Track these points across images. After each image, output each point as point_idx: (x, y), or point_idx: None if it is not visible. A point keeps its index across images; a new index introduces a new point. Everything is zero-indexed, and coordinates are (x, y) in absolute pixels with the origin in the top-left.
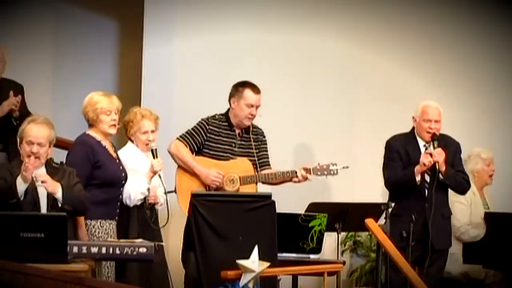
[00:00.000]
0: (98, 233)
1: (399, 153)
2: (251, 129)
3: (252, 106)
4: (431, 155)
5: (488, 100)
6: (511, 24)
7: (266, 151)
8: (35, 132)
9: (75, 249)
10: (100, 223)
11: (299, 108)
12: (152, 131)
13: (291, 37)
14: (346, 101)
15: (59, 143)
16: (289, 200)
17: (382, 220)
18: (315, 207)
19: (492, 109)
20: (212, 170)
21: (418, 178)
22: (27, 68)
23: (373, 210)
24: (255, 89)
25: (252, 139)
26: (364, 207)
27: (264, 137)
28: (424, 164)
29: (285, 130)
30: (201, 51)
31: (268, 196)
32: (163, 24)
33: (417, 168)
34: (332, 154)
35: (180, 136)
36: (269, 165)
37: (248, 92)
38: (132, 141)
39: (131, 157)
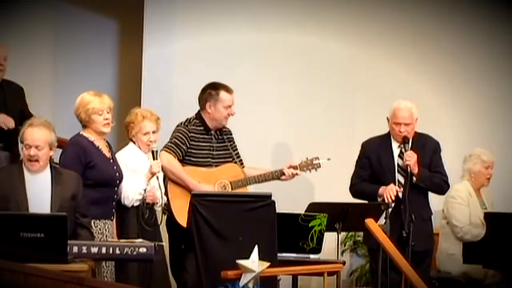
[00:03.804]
0: (93, 232)
1: (369, 158)
2: (222, 129)
3: (229, 106)
4: (400, 184)
5: (488, 100)
6: (511, 24)
7: (237, 149)
8: (31, 135)
9: (75, 249)
10: (94, 223)
11: (299, 108)
12: (153, 132)
13: (291, 37)
14: (345, 102)
15: (59, 143)
16: (289, 200)
17: (382, 220)
18: (315, 207)
19: (491, 110)
20: (207, 186)
21: (379, 199)
22: (27, 68)
23: (373, 210)
24: (229, 89)
25: (226, 140)
26: (364, 207)
27: (232, 135)
28: (387, 193)
29: (284, 131)
30: (201, 51)
31: (268, 196)
32: (163, 24)
33: (380, 192)
34: (332, 154)
35: (167, 148)
36: (243, 163)
37: (223, 94)
38: (134, 142)
39: (132, 158)
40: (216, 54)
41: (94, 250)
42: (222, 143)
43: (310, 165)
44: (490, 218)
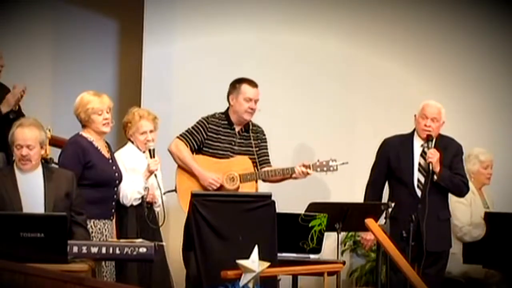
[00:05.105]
0: (92, 232)
1: (388, 158)
2: (250, 127)
3: (250, 100)
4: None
5: (488, 100)
6: (511, 24)
7: (266, 149)
8: (22, 135)
9: (75, 249)
10: (94, 223)
11: (299, 109)
12: (151, 131)
13: (291, 38)
14: (346, 101)
15: (59, 143)
16: (289, 200)
17: (382, 220)
18: (315, 207)
19: (492, 109)
20: (211, 174)
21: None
22: (27, 68)
23: (373, 210)
24: (252, 83)
25: (252, 137)
26: (364, 207)
27: (264, 135)
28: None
29: (285, 130)
30: (201, 51)
31: (268, 196)
32: (163, 24)
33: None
34: (332, 154)
35: (180, 135)
36: (269, 163)
37: (245, 87)
38: (132, 142)
39: (130, 157)
40: (216, 54)
41: (94, 250)
42: (246, 140)
43: (325, 166)
44: (490, 218)
